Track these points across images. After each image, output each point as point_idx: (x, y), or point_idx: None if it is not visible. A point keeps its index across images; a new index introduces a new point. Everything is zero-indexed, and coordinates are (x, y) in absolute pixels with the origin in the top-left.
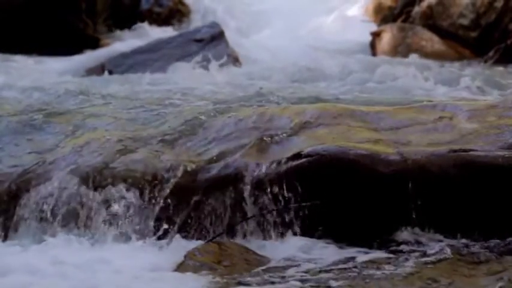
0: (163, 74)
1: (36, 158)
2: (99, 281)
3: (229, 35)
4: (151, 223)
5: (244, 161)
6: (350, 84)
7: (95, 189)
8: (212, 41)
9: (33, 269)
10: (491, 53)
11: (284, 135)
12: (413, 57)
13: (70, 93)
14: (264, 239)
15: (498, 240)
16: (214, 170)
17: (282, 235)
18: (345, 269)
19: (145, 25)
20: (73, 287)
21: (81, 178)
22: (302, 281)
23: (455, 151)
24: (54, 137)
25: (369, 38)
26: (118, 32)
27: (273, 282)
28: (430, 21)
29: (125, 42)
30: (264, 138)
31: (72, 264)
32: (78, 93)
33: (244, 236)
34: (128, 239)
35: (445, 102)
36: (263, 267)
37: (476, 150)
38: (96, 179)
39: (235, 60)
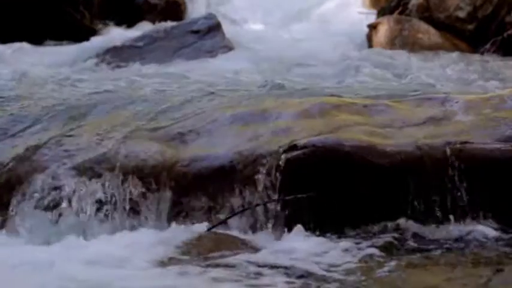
0: (159, 66)
1: (31, 150)
2: (93, 275)
3: (225, 26)
4: (147, 214)
5: (240, 152)
6: (347, 76)
7: (91, 180)
8: (209, 33)
9: (31, 262)
10: (487, 46)
11: (280, 126)
12: (410, 50)
13: (66, 84)
14: (260, 230)
15: (497, 232)
16: (210, 160)
17: (277, 227)
18: (338, 260)
19: (141, 16)
20: (66, 280)
21: (79, 169)
22: (292, 272)
23: (451, 143)
24: (50, 127)
25: (366, 30)
26: (115, 23)
27: (263, 274)
28: (426, 13)
29: (121, 33)
30: (260, 130)
31: (64, 257)
32: (75, 84)
33: (240, 227)
34: (123, 229)
35: (441, 95)
36: (256, 258)
37: (472, 143)
38: (93, 170)
39: (231, 51)
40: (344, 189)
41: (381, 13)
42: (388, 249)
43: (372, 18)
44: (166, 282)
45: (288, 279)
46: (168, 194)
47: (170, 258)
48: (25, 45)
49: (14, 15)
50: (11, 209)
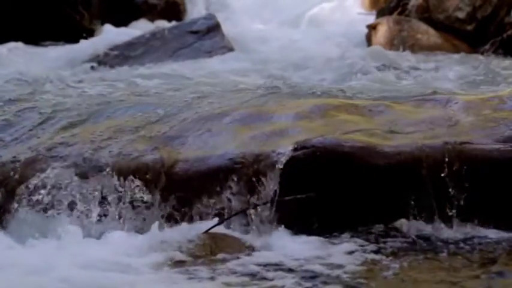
0: (158, 66)
1: (29, 152)
2: (93, 278)
3: (225, 26)
4: (147, 215)
5: (240, 152)
6: (346, 77)
7: (90, 183)
8: (208, 33)
9: (29, 264)
10: (487, 46)
11: (280, 128)
12: (409, 50)
13: (64, 86)
14: (259, 231)
15: (497, 233)
16: (210, 161)
17: (277, 227)
18: (341, 261)
19: (140, 17)
20: (65, 283)
21: (78, 169)
22: (292, 273)
23: (450, 144)
24: (48, 129)
25: (365, 30)
26: (114, 24)
27: (263, 276)
28: (426, 14)
29: (120, 33)
30: (260, 131)
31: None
32: (73, 86)
33: (239, 227)
34: (123, 231)
35: (441, 96)
36: (255, 259)
37: (472, 143)
38: (91, 171)
39: (231, 51)
40: (344, 189)
41: (380, 14)
42: (389, 250)
43: (371, 19)
44: (176, 286)
45: (296, 281)
46: (166, 196)
47: (173, 261)
48: (20, 45)
49: (11, 15)
50: (8, 210)
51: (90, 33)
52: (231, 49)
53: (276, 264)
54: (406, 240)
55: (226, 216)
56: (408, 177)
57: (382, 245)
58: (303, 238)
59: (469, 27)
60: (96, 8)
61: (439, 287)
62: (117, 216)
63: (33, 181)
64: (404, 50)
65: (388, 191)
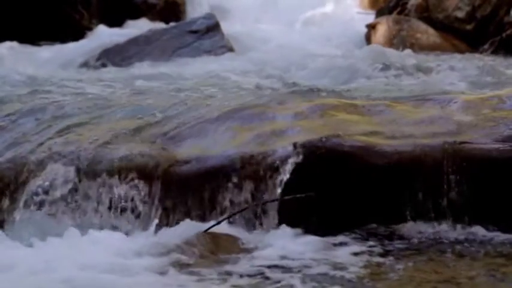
0: (158, 65)
1: (27, 152)
2: (93, 279)
3: (225, 26)
4: (146, 215)
5: (239, 152)
6: (346, 76)
7: (91, 180)
8: (208, 32)
9: (27, 264)
10: (486, 46)
11: (280, 127)
12: (409, 50)
13: (62, 85)
14: (258, 230)
15: (497, 233)
16: (210, 161)
17: (276, 227)
18: (341, 260)
19: (140, 16)
20: (64, 283)
21: (77, 170)
22: (297, 273)
23: (449, 143)
24: (47, 129)
25: (364, 30)
26: (113, 23)
27: (268, 276)
28: (425, 13)
29: (119, 33)
30: (259, 131)
31: (59, 255)
32: (71, 86)
33: (239, 227)
34: (122, 231)
35: (440, 95)
36: (258, 260)
37: (471, 143)
38: (90, 172)
39: (230, 51)
40: (344, 189)
41: (380, 13)
42: (392, 251)
43: (371, 18)
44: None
45: (302, 281)
46: (166, 196)
47: (174, 261)
48: (16, 44)
49: (11, 14)
50: (8, 211)
51: (89, 33)
52: (230, 49)
53: (279, 265)
54: (408, 240)
55: (225, 216)
56: (408, 177)
57: (384, 245)
58: (304, 238)
59: (469, 27)
60: (95, 7)
61: None
62: (116, 217)
63: (33, 182)
64: (403, 49)
65: (388, 190)
